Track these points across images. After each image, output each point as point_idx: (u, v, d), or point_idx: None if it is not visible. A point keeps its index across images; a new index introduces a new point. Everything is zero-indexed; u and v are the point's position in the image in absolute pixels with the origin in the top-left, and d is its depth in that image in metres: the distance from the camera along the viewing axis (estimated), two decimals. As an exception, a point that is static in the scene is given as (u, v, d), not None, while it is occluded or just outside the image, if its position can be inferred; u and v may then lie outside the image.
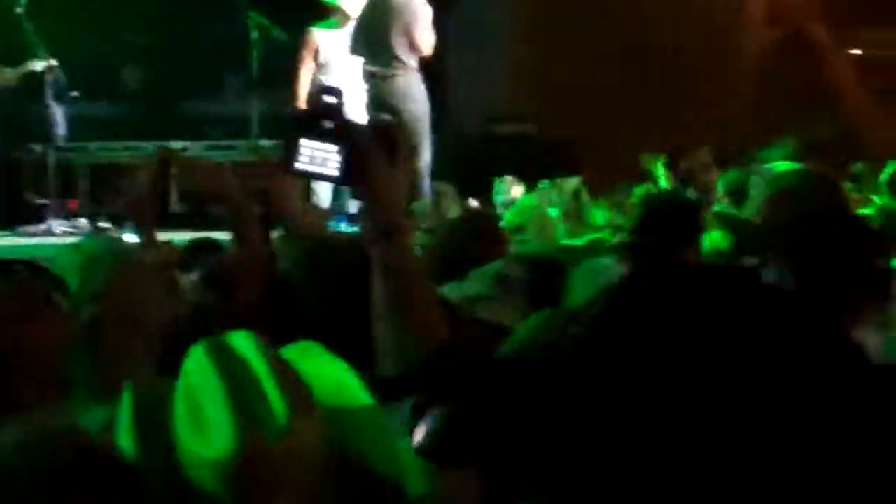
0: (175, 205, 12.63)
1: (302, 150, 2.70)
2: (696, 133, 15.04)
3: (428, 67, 11.82)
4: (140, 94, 14.80)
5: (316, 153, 2.70)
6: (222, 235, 8.06)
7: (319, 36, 11.60)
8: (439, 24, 11.75)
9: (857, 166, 9.24)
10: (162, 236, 9.42)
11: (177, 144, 13.64)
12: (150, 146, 13.84)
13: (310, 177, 2.75)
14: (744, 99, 16.58)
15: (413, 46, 10.92)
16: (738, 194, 10.64)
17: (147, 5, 14.31)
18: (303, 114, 2.85)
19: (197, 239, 6.37)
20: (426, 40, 10.95)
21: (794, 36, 17.61)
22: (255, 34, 10.29)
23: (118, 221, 12.26)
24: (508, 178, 10.85)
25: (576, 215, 10.20)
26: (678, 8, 16.43)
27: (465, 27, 14.87)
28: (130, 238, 7.77)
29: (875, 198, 8.12)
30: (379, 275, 2.66)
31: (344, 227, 10.01)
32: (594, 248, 6.31)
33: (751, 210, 6.90)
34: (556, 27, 15.35)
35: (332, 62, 11.55)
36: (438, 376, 2.51)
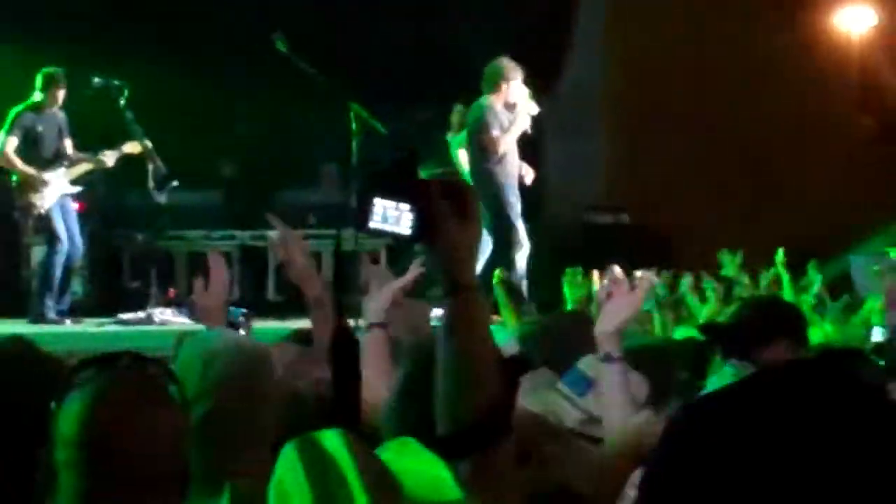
0: (272, 294, 12.61)
1: (375, 208, 2.72)
2: (788, 224, 15.01)
3: (525, 155, 12.01)
4: (237, 183, 14.98)
5: (389, 212, 2.72)
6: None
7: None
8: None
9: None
10: (259, 325, 9.52)
11: (273, 234, 13.79)
12: (246, 235, 14.04)
13: (383, 235, 2.77)
14: (836, 188, 16.48)
15: None
16: (839, 286, 10.60)
17: (243, 97, 14.51)
18: (376, 173, 2.86)
19: (298, 330, 6.41)
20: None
21: (888, 124, 17.52)
22: (354, 125, 10.40)
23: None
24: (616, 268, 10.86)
25: (673, 307, 10.17)
26: (771, 98, 16.41)
27: (563, 117, 14.96)
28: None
29: None
30: (446, 331, 2.68)
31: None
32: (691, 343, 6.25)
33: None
34: (653, 118, 15.39)
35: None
36: (492, 436, 2.54)
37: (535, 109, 12.09)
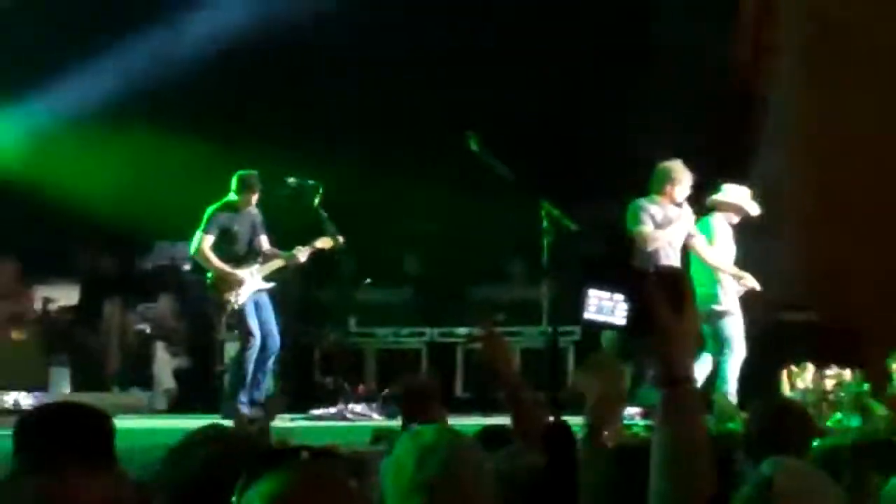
0: (460, 390, 12.62)
1: (590, 299, 2.71)
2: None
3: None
4: (425, 280, 15.08)
5: (604, 303, 2.70)
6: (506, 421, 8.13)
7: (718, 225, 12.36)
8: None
9: None
10: (450, 421, 9.52)
11: (462, 331, 13.87)
12: (434, 332, 14.11)
13: (598, 327, 2.76)
14: None
15: None
16: None
17: (432, 193, 14.65)
18: (592, 264, 2.85)
19: (488, 427, 6.38)
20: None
21: None
22: (545, 222, 10.44)
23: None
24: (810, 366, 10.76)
25: (858, 406, 9.99)
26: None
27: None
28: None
29: None
30: (661, 422, 2.64)
31: (639, 423, 9.92)
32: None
33: None
34: (843, 214, 15.15)
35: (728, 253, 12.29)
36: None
37: (755, 210, 12.42)
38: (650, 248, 11.66)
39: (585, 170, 14.66)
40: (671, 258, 11.81)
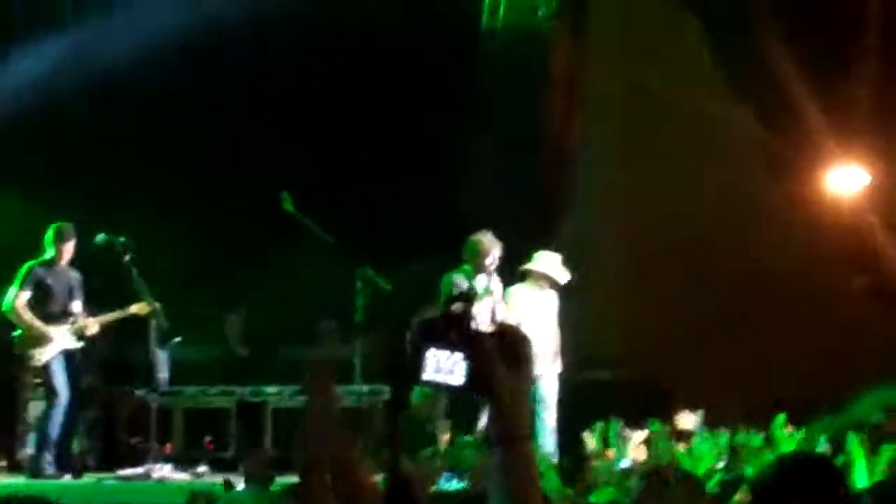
0: (270, 449, 12.54)
1: (428, 360, 2.73)
2: (778, 383, 15.04)
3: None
4: (237, 339, 14.95)
5: (443, 362, 2.73)
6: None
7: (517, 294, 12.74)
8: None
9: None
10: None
11: (272, 389, 13.80)
12: (245, 391, 14.00)
13: (437, 387, 2.78)
14: (830, 345, 16.52)
15: None
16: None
17: (247, 254, 14.58)
18: (430, 324, 2.88)
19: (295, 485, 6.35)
20: None
21: (882, 283, 17.60)
22: (359, 283, 10.47)
23: (217, 467, 12.37)
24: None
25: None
26: (765, 256, 16.51)
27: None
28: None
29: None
30: (496, 478, 2.68)
31: (455, 484, 9.97)
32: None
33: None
34: (646, 274, 15.46)
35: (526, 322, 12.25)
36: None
37: (564, 278, 12.83)
38: None
39: (407, 229, 14.73)
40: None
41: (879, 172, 17.00)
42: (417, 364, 2.79)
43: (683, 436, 11.31)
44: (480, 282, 12.15)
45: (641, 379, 15.31)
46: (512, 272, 12.89)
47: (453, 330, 2.80)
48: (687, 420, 11.48)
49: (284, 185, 10.61)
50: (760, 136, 17.08)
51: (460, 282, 12.05)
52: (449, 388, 2.83)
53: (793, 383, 14.69)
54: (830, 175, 17.27)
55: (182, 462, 12.74)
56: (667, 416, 11.65)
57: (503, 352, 2.73)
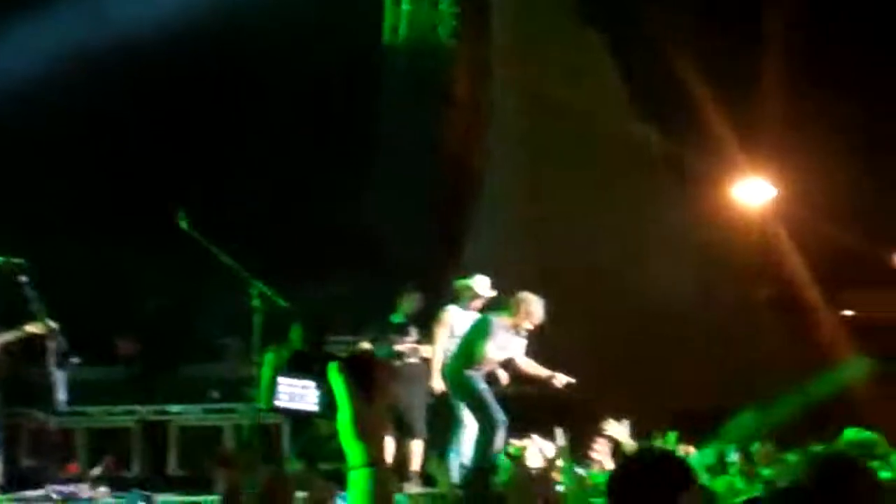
0: (174, 468, 12.38)
1: (281, 388, 2.75)
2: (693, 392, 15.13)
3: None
4: (138, 358, 14.81)
5: (295, 390, 2.75)
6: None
7: (453, 313, 13.03)
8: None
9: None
10: (162, 498, 9.37)
11: (174, 408, 13.71)
12: (147, 410, 13.89)
13: (291, 414, 2.81)
14: (735, 357, 16.66)
15: None
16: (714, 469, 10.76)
17: (145, 272, 14.46)
18: (289, 355, 2.90)
19: None
20: None
21: (785, 294, 17.78)
22: (256, 301, 10.42)
23: (117, 486, 12.27)
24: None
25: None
26: (671, 270, 16.62)
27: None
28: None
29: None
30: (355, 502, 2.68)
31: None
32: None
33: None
34: (550, 292, 15.50)
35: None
36: None
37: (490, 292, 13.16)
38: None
39: (308, 248, 14.69)
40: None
41: (783, 185, 17.18)
42: (270, 392, 2.80)
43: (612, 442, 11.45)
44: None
45: (557, 395, 15.36)
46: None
47: (307, 357, 2.83)
48: (615, 428, 11.51)
49: (181, 203, 10.53)
50: (667, 150, 17.20)
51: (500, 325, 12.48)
52: (301, 415, 2.85)
53: (693, 397, 14.80)
54: (737, 188, 17.43)
55: (84, 482, 12.59)
56: (581, 431, 11.66)
57: (356, 379, 2.72)
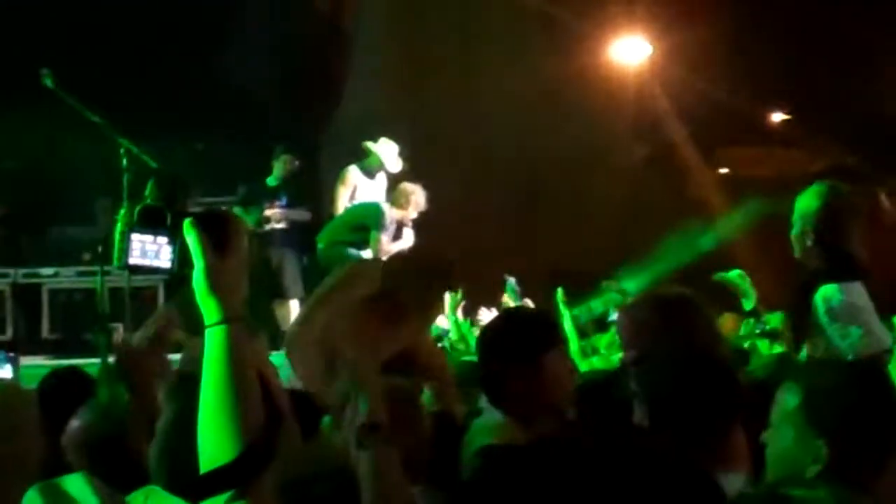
0: (47, 332, 12.14)
1: (133, 244, 2.67)
2: (571, 252, 15.24)
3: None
4: (8, 220, 14.56)
5: (148, 247, 2.68)
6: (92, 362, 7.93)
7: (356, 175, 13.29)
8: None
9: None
10: (32, 361, 9.23)
11: (47, 271, 13.53)
12: (18, 272, 13.70)
13: (144, 271, 2.74)
14: (614, 216, 16.79)
15: None
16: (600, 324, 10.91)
17: (11, 132, 14.13)
18: (143, 208, 2.82)
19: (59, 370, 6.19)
20: None
21: (662, 153, 17.92)
22: (125, 161, 10.24)
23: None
24: None
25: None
26: (549, 128, 16.63)
27: (339, 148, 15.00)
28: (2, 370, 7.63)
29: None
30: (211, 362, 2.63)
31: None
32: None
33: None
34: (428, 148, 15.44)
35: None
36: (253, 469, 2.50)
37: (395, 168, 13.42)
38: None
39: (181, 105, 14.44)
40: None
41: (660, 44, 17.21)
42: (123, 249, 2.72)
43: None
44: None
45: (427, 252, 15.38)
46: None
47: (160, 213, 2.73)
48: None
49: (45, 62, 10.27)
50: (543, 7, 17.10)
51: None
52: (156, 272, 2.77)
53: (577, 257, 14.91)
54: (614, 48, 17.43)
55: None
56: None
57: (208, 233, 2.65)
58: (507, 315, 5.86)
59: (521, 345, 4.70)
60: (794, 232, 6.14)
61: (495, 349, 4.79)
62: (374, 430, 2.97)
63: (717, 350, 4.23)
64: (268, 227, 13.33)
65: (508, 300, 11.29)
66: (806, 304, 5.89)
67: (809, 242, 6.05)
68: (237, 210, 12.93)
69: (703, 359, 3.92)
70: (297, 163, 13.64)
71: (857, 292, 5.88)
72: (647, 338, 4.22)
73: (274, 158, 13.59)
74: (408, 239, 12.98)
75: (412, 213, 12.87)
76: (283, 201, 13.50)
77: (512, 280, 11.51)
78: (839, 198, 6.05)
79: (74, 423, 4.46)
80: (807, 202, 6.09)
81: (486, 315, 11.09)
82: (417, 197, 12.80)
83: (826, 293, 5.86)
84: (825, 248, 6.01)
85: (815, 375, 3.73)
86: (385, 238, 12.70)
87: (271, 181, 13.56)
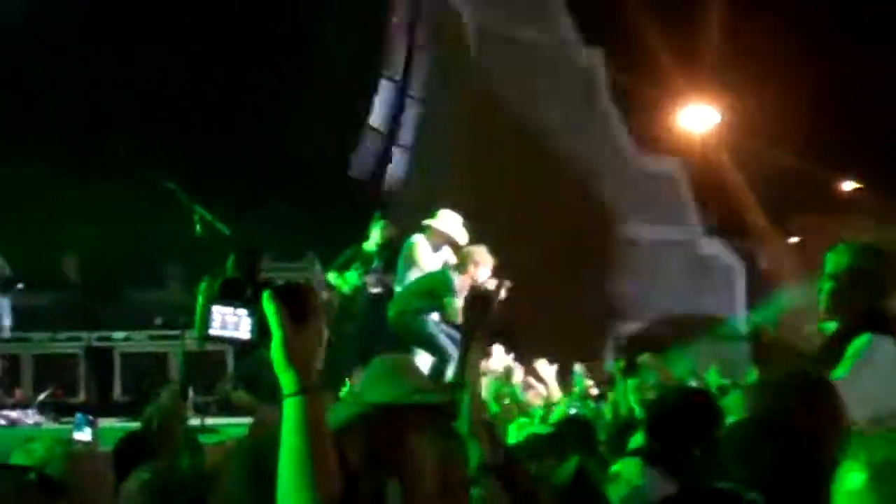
0: (119, 394, 12.29)
1: (214, 315, 2.75)
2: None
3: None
4: (81, 283, 14.73)
5: (228, 318, 2.75)
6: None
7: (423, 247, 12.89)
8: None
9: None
10: (106, 424, 9.32)
11: (119, 335, 13.70)
12: (91, 336, 13.86)
13: (225, 342, 2.81)
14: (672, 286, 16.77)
15: None
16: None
17: (88, 198, 14.33)
18: (224, 279, 2.90)
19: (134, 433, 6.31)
20: None
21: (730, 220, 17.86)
22: (199, 227, 10.38)
23: (63, 413, 12.25)
24: None
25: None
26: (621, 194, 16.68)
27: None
28: (83, 433, 7.77)
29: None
30: (289, 431, 2.70)
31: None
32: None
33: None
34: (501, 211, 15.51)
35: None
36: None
37: (463, 239, 12.91)
38: None
39: (244, 174, 14.61)
40: None
41: (728, 110, 17.25)
42: (204, 321, 2.82)
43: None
44: None
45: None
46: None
47: (240, 285, 2.83)
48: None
49: (118, 130, 10.46)
50: (612, 76, 17.21)
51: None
52: (235, 343, 2.86)
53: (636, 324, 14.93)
54: (681, 115, 17.49)
55: (30, 408, 12.57)
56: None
57: (287, 306, 2.74)
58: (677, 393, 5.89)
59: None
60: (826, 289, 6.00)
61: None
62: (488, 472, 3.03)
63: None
64: (366, 292, 13.31)
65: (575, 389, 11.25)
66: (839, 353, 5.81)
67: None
68: (333, 275, 13.03)
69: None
70: (394, 229, 13.65)
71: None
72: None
73: (372, 224, 13.63)
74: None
75: (481, 274, 12.67)
76: (379, 266, 13.48)
77: (579, 367, 11.44)
78: (877, 257, 5.96)
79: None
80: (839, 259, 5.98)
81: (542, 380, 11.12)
82: (478, 256, 12.63)
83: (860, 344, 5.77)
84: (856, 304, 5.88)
85: (878, 449, 3.63)
86: (458, 303, 12.59)
87: (368, 247, 13.58)
